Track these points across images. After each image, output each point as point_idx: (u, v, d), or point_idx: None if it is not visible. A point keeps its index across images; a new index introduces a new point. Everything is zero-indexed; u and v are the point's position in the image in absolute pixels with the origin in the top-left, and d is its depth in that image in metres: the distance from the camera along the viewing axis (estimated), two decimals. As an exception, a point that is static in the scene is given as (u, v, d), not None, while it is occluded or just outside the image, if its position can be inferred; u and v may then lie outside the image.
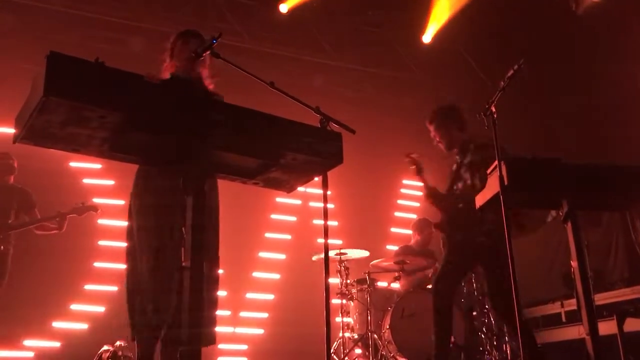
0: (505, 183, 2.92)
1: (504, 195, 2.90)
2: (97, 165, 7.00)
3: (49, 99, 1.82)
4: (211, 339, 2.87)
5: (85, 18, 6.93)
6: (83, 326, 6.45)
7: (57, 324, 6.34)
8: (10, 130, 2.13)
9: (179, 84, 3.16)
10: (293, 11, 7.35)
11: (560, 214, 3.03)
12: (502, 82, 3.22)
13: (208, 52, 2.95)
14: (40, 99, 1.83)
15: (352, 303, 5.90)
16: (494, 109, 3.15)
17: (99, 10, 6.97)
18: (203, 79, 3.27)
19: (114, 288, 6.50)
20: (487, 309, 5.65)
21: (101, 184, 6.97)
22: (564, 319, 5.88)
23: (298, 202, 7.94)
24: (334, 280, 5.90)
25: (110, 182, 6.97)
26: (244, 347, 7.10)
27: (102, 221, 6.71)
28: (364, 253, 6.00)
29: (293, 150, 2.41)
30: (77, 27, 6.95)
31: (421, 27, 7.90)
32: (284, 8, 7.29)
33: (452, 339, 5.08)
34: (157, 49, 3.52)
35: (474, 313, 5.65)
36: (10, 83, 5.78)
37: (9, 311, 5.29)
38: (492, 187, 3.11)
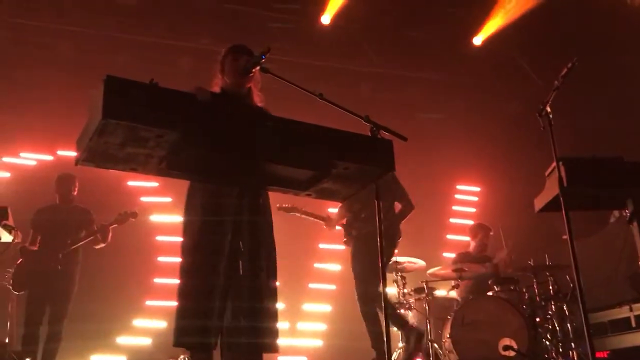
0: (565, 184, 2.83)
1: (564, 197, 2.81)
2: (154, 184, 7.19)
3: (108, 121, 1.87)
4: (270, 348, 2.89)
5: (136, 41, 7.17)
6: (146, 341, 6.60)
7: (122, 339, 6.52)
8: (72, 154, 2.21)
9: (229, 99, 3.20)
10: (336, 22, 7.38)
11: (625, 214, 2.92)
12: (555, 81, 3.14)
13: (257, 68, 2.98)
14: (99, 122, 1.89)
15: (410, 312, 5.83)
16: (549, 109, 3.06)
17: (149, 33, 7.19)
18: (253, 94, 3.31)
19: (174, 303, 6.62)
20: (550, 314, 5.47)
21: (158, 202, 7.15)
22: (633, 324, 5.63)
23: (351, 212, 7.91)
24: (391, 290, 5.85)
25: (167, 200, 7.14)
26: (303, 358, 7.11)
27: (160, 238, 6.88)
28: (420, 262, 5.92)
29: (344, 160, 2.41)
30: (129, 50, 7.20)
31: (469, 30, 7.80)
32: (326, 19, 7.33)
33: (515, 346, 4.95)
34: (206, 67, 3.60)
35: (537, 319, 5.48)
36: (69, 107, 6.02)
37: (75, 326, 5.47)
38: (551, 188, 3.02)
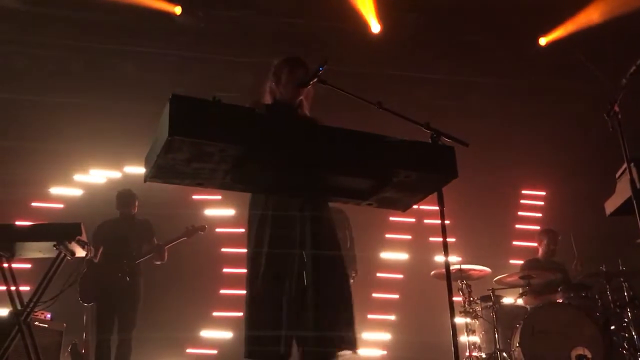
0: (638, 187, 2.71)
1: (637, 200, 2.69)
2: (217, 197, 7.35)
3: (174, 138, 1.94)
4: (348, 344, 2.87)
5: (198, 59, 7.37)
6: (212, 352, 6.73)
7: (190, 350, 6.67)
8: (139, 170, 2.28)
9: (284, 110, 3.23)
10: (394, 29, 7.36)
11: None
12: (623, 79, 3.02)
13: (315, 80, 3.00)
14: (165, 140, 1.95)
15: (477, 321, 5.70)
16: (617, 109, 2.94)
17: (209, 50, 7.37)
18: (303, 106, 3.34)
19: (239, 314, 6.73)
20: (626, 322, 5.24)
21: (222, 214, 7.30)
22: None
23: (412, 219, 7.84)
24: (456, 299, 5.74)
25: (231, 212, 7.28)
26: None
27: (225, 249, 7.02)
28: (485, 269, 5.80)
29: (405, 168, 2.39)
30: (192, 68, 7.40)
31: (532, 32, 7.62)
32: (376, 28, 7.32)
33: (590, 356, 4.76)
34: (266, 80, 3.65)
35: (612, 327, 5.25)
36: (135, 126, 6.24)
37: (146, 335, 5.63)
38: (622, 191, 2.90)
